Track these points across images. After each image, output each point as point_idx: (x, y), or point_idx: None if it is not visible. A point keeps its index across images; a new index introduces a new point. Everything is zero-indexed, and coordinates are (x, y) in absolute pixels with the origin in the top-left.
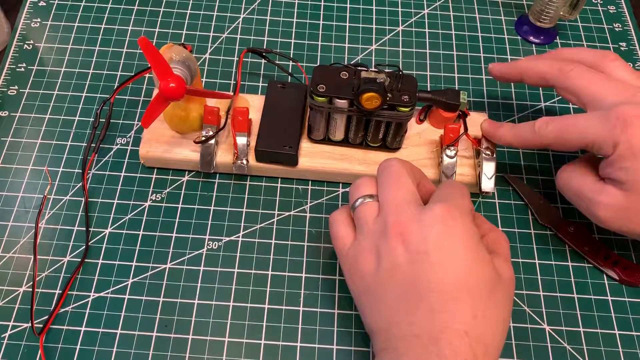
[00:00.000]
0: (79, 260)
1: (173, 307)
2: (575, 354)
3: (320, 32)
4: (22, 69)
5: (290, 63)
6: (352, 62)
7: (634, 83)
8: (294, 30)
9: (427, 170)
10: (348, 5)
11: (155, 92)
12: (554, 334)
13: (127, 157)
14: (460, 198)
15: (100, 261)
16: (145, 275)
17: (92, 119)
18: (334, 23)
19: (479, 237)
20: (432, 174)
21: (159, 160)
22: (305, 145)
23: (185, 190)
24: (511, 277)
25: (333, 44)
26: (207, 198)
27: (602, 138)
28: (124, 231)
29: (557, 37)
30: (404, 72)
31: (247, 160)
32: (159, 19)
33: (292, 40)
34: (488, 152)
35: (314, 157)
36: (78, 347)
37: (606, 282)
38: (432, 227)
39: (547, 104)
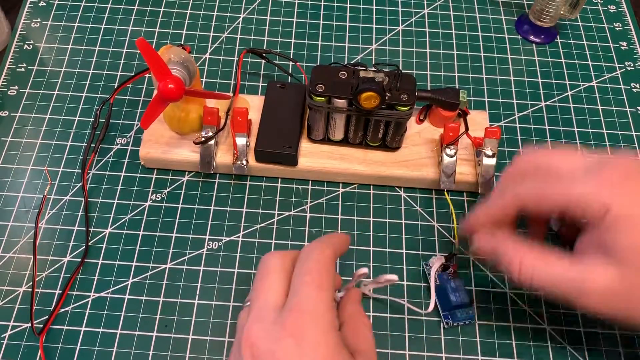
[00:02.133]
0: (79, 260)
1: (173, 307)
2: (575, 354)
3: (320, 32)
4: (22, 69)
5: (290, 63)
6: (351, 62)
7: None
8: (294, 30)
9: (427, 169)
10: (348, 5)
11: (155, 93)
12: (554, 334)
13: (127, 157)
14: (315, 292)
15: (100, 261)
16: (145, 275)
17: (92, 119)
18: (334, 23)
19: (338, 345)
20: (432, 173)
21: (159, 161)
22: (305, 145)
23: (185, 190)
24: None
25: (333, 44)
26: (207, 198)
27: (592, 196)
28: (124, 231)
29: (558, 37)
30: (403, 71)
31: (247, 161)
32: (159, 19)
33: (292, 40)
34: (488, 152)
35: (314, 157)
36: (78, 347)
37: None
38: (281, 342)
39: (547, 103)
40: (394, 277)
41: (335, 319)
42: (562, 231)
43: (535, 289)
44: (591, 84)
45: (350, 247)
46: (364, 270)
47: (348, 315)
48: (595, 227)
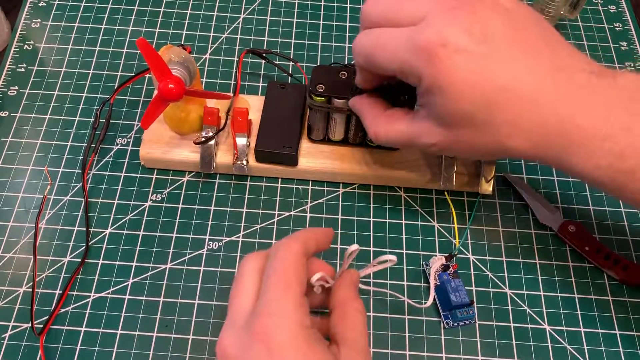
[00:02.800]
0: (79, 260)
1: (173, 308)
2: (575, 354)
3: (320, 32)
4: (22, 70)
5: (290, 63)
6: (352, 62)
7: None
8: (294, 30)
9: (427, 170)
10: (348, 5)
11: (155, 92)
12: (554, 334)
13: (127, 158)
14: (282, 292)
15: (100, 261)
16: (145, 275)
17: (92, 120)
18: (334, 23)
19: (308, 344)
20: (432, 173)
21: (159, 161)
22: (305, 145)
23: (185, 190)
24: None
25: (333, 44)
26: (208, 198)
27: (408, 66)
28: (124, 231)
29: None
30: None
31: (247, 161)
32: (159, 19)
33: (292, 41)
34: None
35: (314, 157)
36: (78, 347)
37: (607, 282)
38: (251, 348)
39: None
40: (393, 257)
41: (306, 316)
42: (572, 232)
43: (386, 144)
44: None
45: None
46: (354, 247)
47: (338, 302)
48: (419, 90)
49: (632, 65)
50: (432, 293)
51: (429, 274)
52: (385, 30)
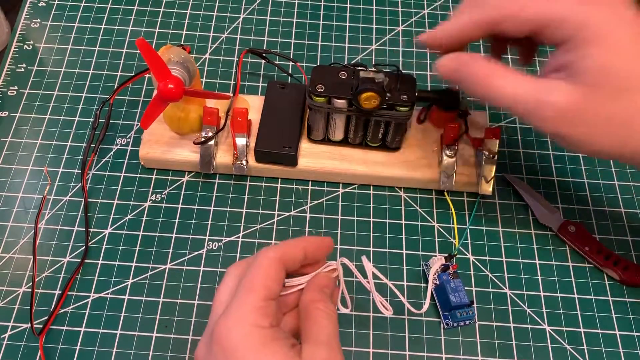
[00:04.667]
0: (79, 260)
1: (173, 308)
2: (575, 354)
3: (320, 32)
4: (22, 70)
5: (290, 63)
6: (351, 62)
7: None
8: (294, 30)
9: (427, 170)
10: (348, 5)
11: (155, 92)
12: (554, 334)
13: (127, 158)
14: (243, 295)
15: (100, 262)
16: (145, 275)
17: (91, 120)
18: (334, 23)
19: (261, 344)
20: (432, 173)
21: (159, 161)
22: (305, 145)
23: (185, 190)
24: None
25: (333, 44)
26: (207, 198)
27: (570, 13)
28: (124, 232)
29: None
30: (403, 71)
31: (247, 161)
32: (159, 19)
33: (292, 41)
34: (488, 152)
35: (314, 157)
36: (78, 347)
37: (607, 282)
38: (211, 352)
39: None
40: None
41: (264, 317)
42: (572, 232)
43: (498, 105)
44: None
45: (350, 247)
46: (334, 265)
47: (303, 304)
48: (564, 47)
49: None
50: (428, 299)
51: (429, 275)
52: None
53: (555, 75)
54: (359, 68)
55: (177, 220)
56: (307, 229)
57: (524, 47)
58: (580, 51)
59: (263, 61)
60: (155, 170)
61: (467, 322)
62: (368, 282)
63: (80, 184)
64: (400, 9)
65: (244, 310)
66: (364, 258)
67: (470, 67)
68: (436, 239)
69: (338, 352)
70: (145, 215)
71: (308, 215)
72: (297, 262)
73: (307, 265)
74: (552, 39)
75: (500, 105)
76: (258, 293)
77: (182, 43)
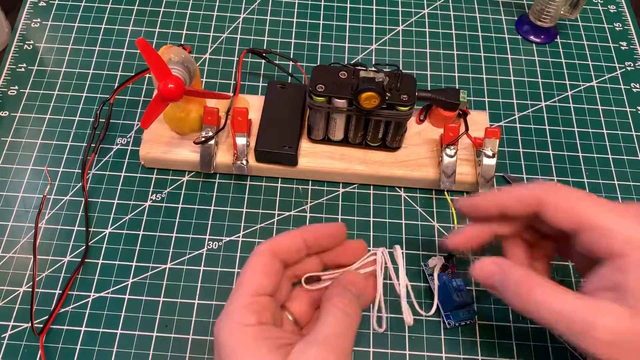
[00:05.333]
0: (79, 260)
1: (173, 307)
2: (575, 354)
3: (320, 32)
4: (22, 69)
5: (290, 63)
6: (351, 62)
7: None
8: (294, 30)
9: (427, 169)
10: (348, 5)
11: (155, 92)
12: (554, 334)
13: (127, 157)
14: (233, 293)
15: (100, 261)
16: (145, 275)
17: (92, 119)
18: (334, 23)
19: (246, 344)
20: (433, 173)
21: (159, 161)
22: (305, 145)
23: (185, 190)
24: None
25: (333, 44)
26: (207, 198)
27: (624, 228)
28: (124, 231)
29: (558, 37)
30: (403, 71)
31: (247, 161)
32: (159, 19)
33: (292, 40)
34: (488, 152)
35: (314, 157)
36: (78, 347)
37: None
38: (214, 350)
39: (547, 103)
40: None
41: (250, 314)
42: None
43: (540, 323)
44: (591, 84)
45: None
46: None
47: (324, 297)
48: (613, 265)
49: (632, 65)
50: (436, 301)
51: (429, 275)
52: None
53: (605, 295)
54: (359, 68)
55: (177, 220)
56: None
57: (559, 242)
58: (633, 273)
59: (263, 61)
60: (156, 170)
61: (468, 322)
62: (399, 284)
63: (80, 184)
64: (400, 9)
65: (232, 307)
66: (396, 248)
67: (512, 275)
68: (436, 238)
69: (331, 353)
70: (145, 215)
71: (308, 214)
72: (296, 252)
73: (328, 253)
74: (595, 248)
75: (541, 321)
76: (246, 289)
77: (182, 43)
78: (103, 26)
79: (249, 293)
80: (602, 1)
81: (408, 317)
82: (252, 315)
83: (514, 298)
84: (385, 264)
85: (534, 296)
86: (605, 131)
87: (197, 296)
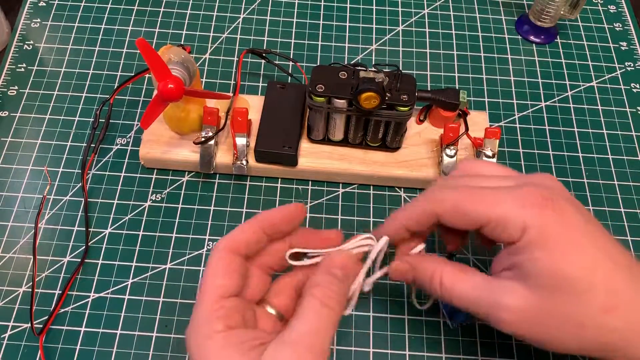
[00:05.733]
0: (79, 260)
1: (173, 308)
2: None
3: (320, 32)
4: (22, 69)
5: (290, 63)
6: (351, 62)
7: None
8: (294, 30)
9: (427, 170)
10: (348, 5)
11: (155, 92)
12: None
13: (127, 158)
14: (198, 299)
15: (100, 261)
16: (145, 275)
17: (91, 120)
18: (334, 23)
19: (216, 352)
20: (432, 173)
21: (159, 161)
22: (305, 145)
23: (185, 190)
24: None
25: (333, 44)
26: (207, 198)
27: (512, 216)
28: (124, 231)
29: (558, 37)
30: (403, 71)
31: (247, 161)
32: (159, 19)
33: (292, 40)
34: (488, 152)
35: (314, 157)
36: (78, 347)
37: None
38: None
39: (547, 103)
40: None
41: (216, 321)
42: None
43: (455, 305)
44: (591, 84)
45: None
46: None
47: (306, 286)
48: (511, 248)
49: (632, 65)
50: (430, 301)
51: None
52: (478, 184)
53: (506, 275)
54: (359, 68)
55: (177, 220)
56: None
57: (480, 237)
58: (526, 254)
59: (263, 61)
60: (155, 170)
61: (468, 322)
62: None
63: (80, 184)
64: (400, 9)
65: (197, 317)
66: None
67: (420, 269)
68: (436, 238)
69: (305, 353)
70: (145, 215)
71: (308, 215)
72: (255, 244)
73: (302, 240)
74: (498, 238)
75: (457, 306)
76: (209, 294)
77: (182, 43)
78: (103, 26)
79: (213, 299)
80: (602, 1)
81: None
82: (219, 322)
83: (429, 289)
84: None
85: (443, 284)
86: (605, 131)
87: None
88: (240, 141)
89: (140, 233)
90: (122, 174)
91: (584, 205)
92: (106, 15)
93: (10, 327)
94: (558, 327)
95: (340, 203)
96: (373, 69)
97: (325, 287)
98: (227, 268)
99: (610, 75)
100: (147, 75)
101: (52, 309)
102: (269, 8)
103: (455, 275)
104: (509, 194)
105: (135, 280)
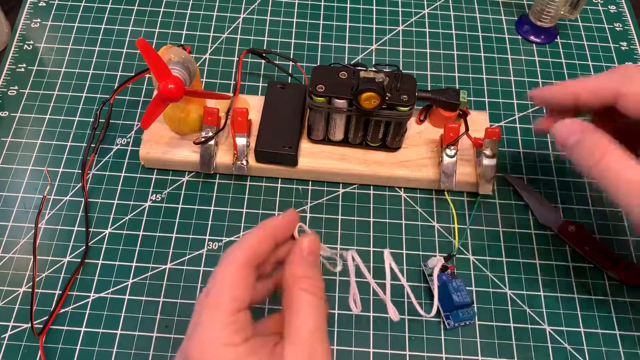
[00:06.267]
0: (79, 260)
1: (173, 308)
2: (575, 354)
3: (320, 32)
4: (22, 70)
5: (290, 63)
6: (351, 62)
7: None
8: (294, 30)
9: (428, 170)
10: (348, 5)
11: (155, 92)
12: (554, 334)
13: (127, 158)
14: (210, 316)
15: (100, 261)
16: (145, 275)
17: (91, 120)
18: (334, 23)
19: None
20: (433, 173)
21: (159, 161)
22: (305, 145)
23: (185, 190)
24: None
25: (333, 44)
26: (207, 198)
27: None
28: (124, 231)
29: (558, 37)
30: (403, 71)
31: (247, 161)
32: (159, 19)
33: (292, 40)
34: (488, 152)
35: (314, 157)
36: (78, 347)
37: (607, 282)
38: None
39: None
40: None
41: (234, 334)
42: (572, 232)
43: (603, 189)
44: None
45: (350, 247)
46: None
47: (287, 283)
48: None
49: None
50: (436, 302)
51: (428, 275)
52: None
53: None
54: (359, 68)
55: (177, 220)
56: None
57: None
58: None
59: (263, 61)
60: (156, 170)
61: (467, 322)
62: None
63: (80, 184)
64: (400, 9)
65: (213, 329)
66: (386, 252)
67: (591, 136)
68: (436, 238)
69: (319, 345)
70: (145, 215)
71: (308, 215)
72: (266, 254)
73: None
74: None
75: (609, 189)
76: (225, 309)
77: (182, 43)
78: (103, 26)
79: (230, 312)
80: (602, 1)
81: (393, 315)
82: (238, 335)
83: (586, 159)
84: (354, 261)
85: (606, 160)
86: None
87: (197, 296)
88: (241, 141)
89: (141, 233)
90: (122, 174)
91: (584, 205)
92: (106, 15)
93: (10, 327)
94: None
95: (340, 203)
96: (373, 69)
97: (310, 279)
98: (245, 281)
99: None
100: (147, 75)
101: (52, 309)
102: (269, 8)
103: (623, 158)
104: None
105: (135, 280)
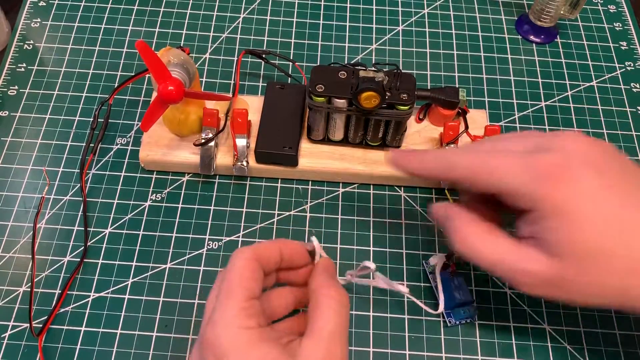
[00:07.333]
0: (79, 260)
1: (173, 307)
2: (575, 353)
3: (320, 32)
4: (22, 69)
5: (290, 63)
6: (351, 62)
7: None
8: (293, 30)
9: None
10: (348, 5)
11: (155, 94)
12: (554, 333)
13: (127, 157)
14: (225, 302)
15: (100, 261)
16: (145, 275)
17: (90, 120)
18: (334, 23)
19: (254, 341)
20: None
21: (159, 163)
22: (305, 145)
23: (185, 190)
24: None
25: (333, 44)
26: (207, 198)
27: (522, 189)
28: (124, 231)
29: (558, 37)
30: (402, 70)
31: (247, 162)
32: (159, 19)
33: (292, 41)
34: None
35: (314, 157)
36: (78, 347)
37: None
38: (203, 357)
39: (547, 103)
40: (372, 265)
41: (250, 318)
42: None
43: (474, 264)
44: (591, 84)
45: (350, 247)
46: (368, 264)
47: (311, 291)
48: (528, 217)
49: (632, 65)
50: (441, 297)
51: (430, 273)
52: (490, 152)
53: (528, 242)
54: (359, 68)
55: (177, 220)
56: (307, 229)
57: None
58: (543, 224)
59: (263, 61)
60: (155, 170)
61: (468, 320)
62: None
63: (80, 184)
64: (400, 9)
65: (229, 313)
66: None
67: (453, 220)
68: (436, 238)
69: (338, 346)
70: (145, 215)
71: (308, 214)
72: (273, 263)
73: (287, 271)
74: (512, 206)
75: (480, 267)
76: (238, 295)
77: (181, 44)
78: (103, 26)
79: (243, 298)
80: (602, 1)
81: (403, 288)
82: (251, 319)
83: (453, 242)
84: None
85: (469, 242)
86: (605, 131)
87: (197, 296)
88: (241, 142)
89: (140, 233)
90: (122, 174)
91: None
92: (106, 15)
93: (10, 326)
94: (579, 290)
95: (340, 203)
96: (373, 68)
97: (334, 287)
98: (252, 274)
99: (610, 75)
100: (147, 75)
101: (51, 308)
102: (269, 8)
103: (483, 237)
104: (521, 163)
105: (135, 280)
